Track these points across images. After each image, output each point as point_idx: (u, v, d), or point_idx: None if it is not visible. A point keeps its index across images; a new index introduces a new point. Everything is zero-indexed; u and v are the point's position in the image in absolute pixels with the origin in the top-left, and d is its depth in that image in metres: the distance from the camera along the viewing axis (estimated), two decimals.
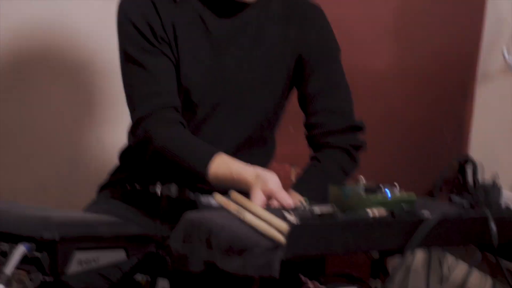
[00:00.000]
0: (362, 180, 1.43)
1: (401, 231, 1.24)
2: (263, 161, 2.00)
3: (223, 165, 1.73)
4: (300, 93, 1.92)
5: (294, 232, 1.17)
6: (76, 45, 2.70)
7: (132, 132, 1.84)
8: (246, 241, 1.29)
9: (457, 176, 2.46)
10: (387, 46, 2.65)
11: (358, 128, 1.92)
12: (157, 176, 1.92)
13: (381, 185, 1.39)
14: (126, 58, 1.85)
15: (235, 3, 1.84)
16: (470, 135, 2.53)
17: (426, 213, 1.31)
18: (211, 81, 1.87)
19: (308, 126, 1.92)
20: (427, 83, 2.60)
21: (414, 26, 2.60)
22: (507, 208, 2.24)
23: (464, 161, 2.45)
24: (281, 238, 1.24)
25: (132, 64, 1.84)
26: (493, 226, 1.28)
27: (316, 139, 1.90)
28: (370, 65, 2.68)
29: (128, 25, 1.84)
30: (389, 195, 1.36)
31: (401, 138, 2.68)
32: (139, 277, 1.64)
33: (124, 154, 2.00)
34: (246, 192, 1.63)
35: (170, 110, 1.81)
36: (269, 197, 1.62)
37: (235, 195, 1.56)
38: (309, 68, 1.90)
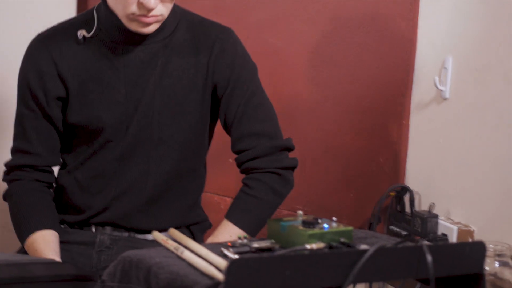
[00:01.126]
0: (300, 214, 1.43)
1: (339, 264, 1.24)
2: (194, 193, 2.00)
3: (39, 242, 1.83)
4: (222, 120, 1.92)
5: (232, 267, 1.16)
6: None
7: (5, 172, 1.96)
8: (185, 280, 1.28)
9: (394, 205, 2.49)
10: (323, 75, 2.68)
11: (286, 148, 1.91)
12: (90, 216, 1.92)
13: (319, 219, 1.39)
14: (17, 107, 1.93)
15: (138, 35, 1.83)
16: (406, 163, 2.56)
17: (363, 245, 1.32)
18: (125, 119, 1.86)
19: (235, 152, 1.91)
20: (363, 112, 2.63)
21: (349, 56, 2.63)
22: (443, 236, 2.28)
23: (401, 190, 2.48)
24: (219, 276, 1.24)
25: (20, 115, 1.92)
26: (428, 256, 1.29)
27: (244, 164, 1.89)
28: (306, 93, 2.71)
29: (23, 81, 1.90)
30: (327, 228, 1.36)
31: (338, 167, 2.69)
32: None
33: (56, 194, 1.99)
34: None
35: (32, 170, 1.92)
36: None
37: (173, 232, 1.55)
38: (227, 94, 1.88)
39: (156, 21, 1.78)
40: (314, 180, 2.70)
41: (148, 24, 1.78)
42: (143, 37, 1.84)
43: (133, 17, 1.76)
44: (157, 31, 1.83)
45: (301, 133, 2.69)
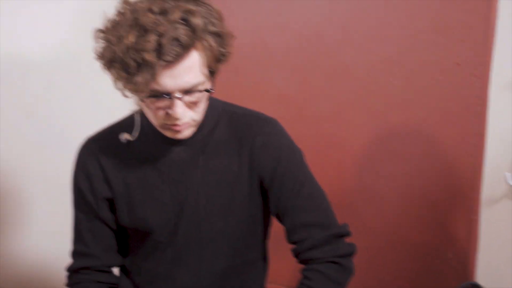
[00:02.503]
0: None
1: None
2: (254, 285, 1.96)
3: None
4: (274, 212, 1.88)
5: None
6: None
7: (67, 276, 1.97)
8: None
9: None
10: (388, 168, 2.65)
11: (342, 235, 1.86)
12: None
13: None
14: (73, 212, 1.96)
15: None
16: (477, 259, 2.49)
17: None
18: (172, 220, 1.86)
19: (290, 242, 1.88)
20: (430, 206, 2.59)
21: (416, 149, 2.61)
22: None
23: (472, 287, 2.40)
24: None
25: (75, 219, 1.95)
26: None
27: (301, 255, 1.86)
28: (371, 185, 2.68)
29: (74, 184, 1.93)
30: None
31: (404, 261, 2.64)
32: None
33: None
34: None
35: (90, 272, 1.93)
36: None
37: None
38: (275, 187, 1.85)
39: (190, 127, 1.78)
40: (379, 273, 2.65)
41: (181, 131, 1.78)
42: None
43: (165, 126, 1.77)
44: (197, 130, 1.83)
45: (366, 224, 2.65)
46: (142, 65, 1.62)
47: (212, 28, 1.68)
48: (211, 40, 1.68)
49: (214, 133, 1.86)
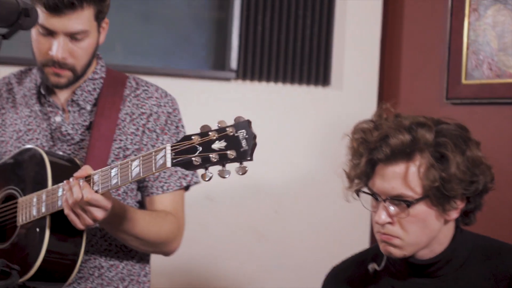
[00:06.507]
0: None
1: None
2: None
3: None
4: None
5: None
6: None
7: None
8: None
9: None
10: None
11: None
12: None
13: None
14: None
15: (423, 267, 1.73)
16: None
17: None
18: None
19: None
20: None
21: None
22: None
23: None
24: None
25: None
26: None
27: None
28: None
29: None
30: None
31: None
32: None
33: None
34: None
35: None
36: None
37: None
38: None
39: (397, 246, 1.69)
40: None
41: (388, 243, 1.70)
42: (431, 270, 1.75)
43: (377, 237, 1.72)
44: (446, 261, 1.75)
45: None
46: (362, 158, 1.67)
47: (443, 150, 1.63)
48: (435, 159, 1.63)
49: (466, 267, 1.76)
